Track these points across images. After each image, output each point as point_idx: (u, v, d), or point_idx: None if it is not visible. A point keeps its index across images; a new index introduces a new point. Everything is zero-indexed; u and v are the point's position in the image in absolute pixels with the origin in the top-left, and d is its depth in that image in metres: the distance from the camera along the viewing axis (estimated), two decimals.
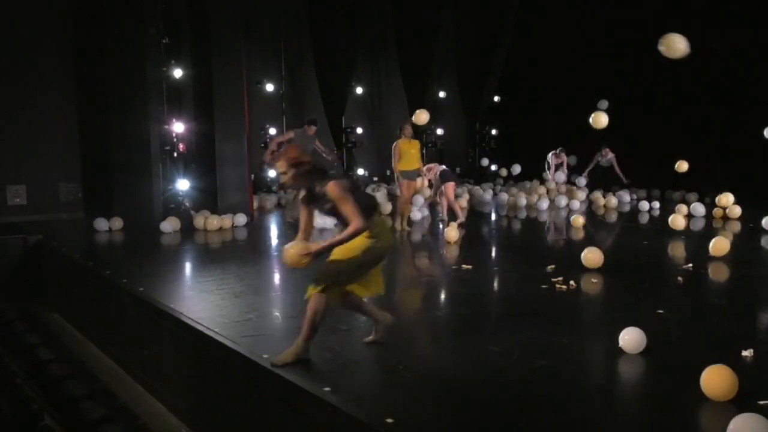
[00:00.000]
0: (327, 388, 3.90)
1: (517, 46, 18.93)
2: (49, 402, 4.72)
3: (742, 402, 3.60)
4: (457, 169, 20.61)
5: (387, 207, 11.95)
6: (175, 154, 12.11)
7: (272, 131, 17.09)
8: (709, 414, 3.62)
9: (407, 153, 10.62)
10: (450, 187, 11.44)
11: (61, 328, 8.71)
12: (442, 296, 6.69)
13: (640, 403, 3.71)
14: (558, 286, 6.49)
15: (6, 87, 12.25)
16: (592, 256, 7.19)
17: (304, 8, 17.60)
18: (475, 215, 13.07)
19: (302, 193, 4.49)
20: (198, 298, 6.39)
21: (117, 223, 11.23)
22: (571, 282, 6.56)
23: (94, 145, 12.65)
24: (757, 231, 9.95)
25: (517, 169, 17.30)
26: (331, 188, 4.29)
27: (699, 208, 11.95)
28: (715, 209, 11.76)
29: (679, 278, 6.85)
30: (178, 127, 12.10)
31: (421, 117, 10.48)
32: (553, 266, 7.30)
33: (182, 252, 9.52)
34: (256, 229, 11.84)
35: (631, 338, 4.38)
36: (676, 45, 7.01)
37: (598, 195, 14.37)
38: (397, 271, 7.98)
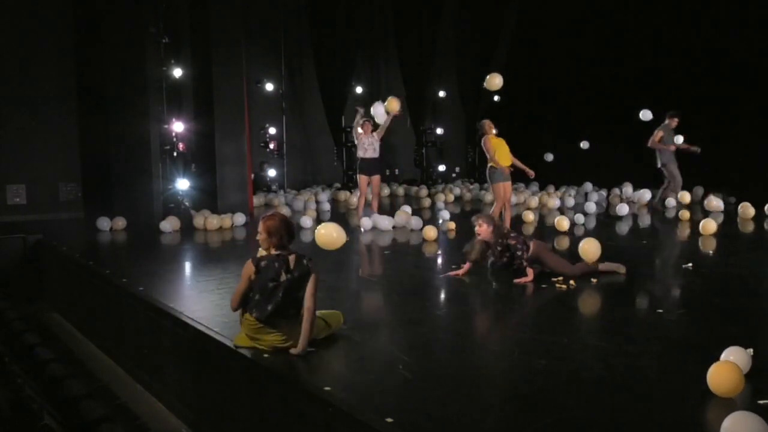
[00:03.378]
0: (327, 388, 3.90)
1: (517, 45, 18.92)
2: (49, 401, 4.72)
3: (741, 401, 3.60)
4: (457, 169, 20.63)
5: None
6: (175, 154, 12.12)
7: (272, 131, 17.10)
8: (709, 413, 3.62)
9: (500, 148, 9.69)
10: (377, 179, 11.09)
11: (61, 328, 8.71)
12: (442, 296, 6.68)
13: (640, 403, 3.71)
14: (558, 285, 6.49)
15: (5, 86, 12.25)
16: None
17: (304, 8, 17.61)
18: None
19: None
20: (198, 298, 6.39)
21: (120, 222, 11.22)
22: (571, 282, 6.56)
23: (93, 145, 12.65)
24: (759, 229, 9.95)
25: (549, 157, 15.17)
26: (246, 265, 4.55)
27: (715, 203, 11.90)
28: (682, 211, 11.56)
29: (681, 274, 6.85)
30: (177, 126, 12.12)
31: (494, 81, 9.46)
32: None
33: (182, 251, 9.52)
34: (256, 229, 11.82)
35: (736, 358, 4.00)
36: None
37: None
38: (396, 270, 7.98)
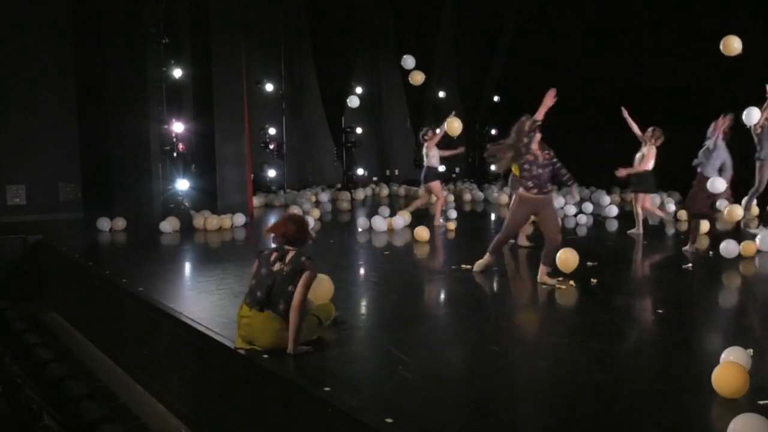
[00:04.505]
0: (327, 389, 3.90)
1: (517, 45, 18.92)
2: (49, 402, 4.72)
3: (741, 402, 3.60)
4: (457, 169, 20.64)
5: None
6: (175, 154, 12.11)
7: (272, 131, 17.10)
8: (710, 414, 3.62)
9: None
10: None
11: (61, 328, 8.71)
12: (442, 296, 6.69)
13: (639, 403, 3.71)
14: (558, 286, 6.49)
15: (5, 86, 12.23)
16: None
17: (304, 8, 17.61)
18: (476, 216, 13.07)
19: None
20: (198, 298, 6.39)
21: (119, 222, 11.21)
22: (570, 282, 6.56)
23: (93, 145, 12.64)
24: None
25: None
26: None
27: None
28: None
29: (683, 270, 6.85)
30: (177, 127, 12.10)
31: (454, 125, 9.83)
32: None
33: (182, 252, 9.52)
34: (256, 229, 11.83)
35: (736, 358, 3.99)
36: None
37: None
38: (395, 270, 7.98)
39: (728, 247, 7.87)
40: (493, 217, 13.24)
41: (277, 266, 4.48)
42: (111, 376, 6.73)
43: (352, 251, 9.58)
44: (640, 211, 10.07)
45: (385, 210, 12.04)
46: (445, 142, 11.95)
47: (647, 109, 15.59)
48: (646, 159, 9.78)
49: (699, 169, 8.46)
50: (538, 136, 6.68)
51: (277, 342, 4.49)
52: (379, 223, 10.70)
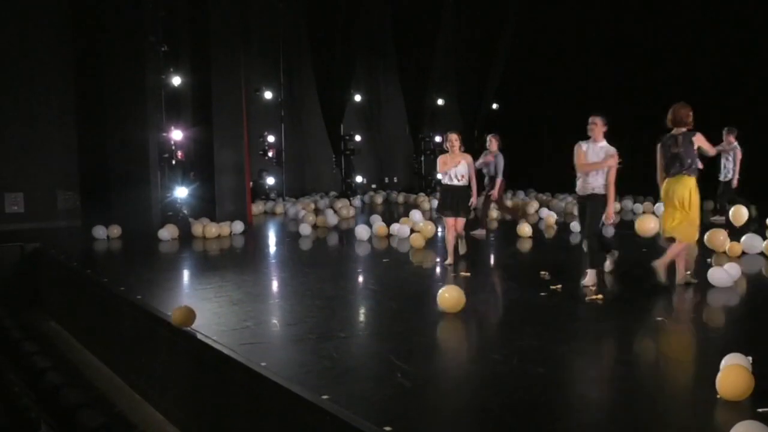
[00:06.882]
0: (325, 396, 3.88)
1: (515, 53, 18.97)
2: (47, 410, 4.70)
3: (741, 409, 3.59)
4: None
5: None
6: (174, 162, 12.12)
7: (270, 138, 17.12)
8: (710, 421, 3.61)
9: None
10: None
11: (59, 336, 8.69)
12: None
13: (638, 411, 3.70)
14: (552, 287, 6.52)
15: (5, 95, 12.25)
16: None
17: (303, 16, 17.67)
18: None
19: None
20: (196, 306, 6.32)
21: (115, 230, 11.20)
22: (559, 285, 6.61)
23: (92, 153, 12.65)
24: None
25: None
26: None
27: None
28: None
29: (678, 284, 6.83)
30: (176, 134, 12.12)
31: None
32: (545, 272, 7.28)
33: (180, 259, 9.50)
34: (254, 237, 11.82)
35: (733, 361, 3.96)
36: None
37: None
38: (394, 278, 7.97)
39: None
40: (494, 225, 13.22)
41: (674, 149, 6.34)
42: (108, 385, 6.70)
43: (351, 259, 9.56)
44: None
45: (376, 218, 11.86)
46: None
47: (647, 116, 15.65)
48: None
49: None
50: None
51: (689, 189, 6.28)
52: (362, 232, 10.58)
